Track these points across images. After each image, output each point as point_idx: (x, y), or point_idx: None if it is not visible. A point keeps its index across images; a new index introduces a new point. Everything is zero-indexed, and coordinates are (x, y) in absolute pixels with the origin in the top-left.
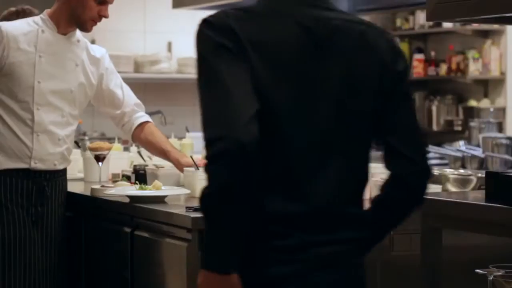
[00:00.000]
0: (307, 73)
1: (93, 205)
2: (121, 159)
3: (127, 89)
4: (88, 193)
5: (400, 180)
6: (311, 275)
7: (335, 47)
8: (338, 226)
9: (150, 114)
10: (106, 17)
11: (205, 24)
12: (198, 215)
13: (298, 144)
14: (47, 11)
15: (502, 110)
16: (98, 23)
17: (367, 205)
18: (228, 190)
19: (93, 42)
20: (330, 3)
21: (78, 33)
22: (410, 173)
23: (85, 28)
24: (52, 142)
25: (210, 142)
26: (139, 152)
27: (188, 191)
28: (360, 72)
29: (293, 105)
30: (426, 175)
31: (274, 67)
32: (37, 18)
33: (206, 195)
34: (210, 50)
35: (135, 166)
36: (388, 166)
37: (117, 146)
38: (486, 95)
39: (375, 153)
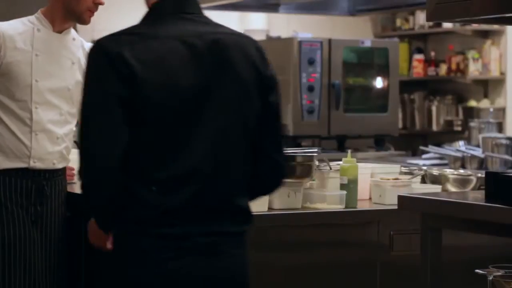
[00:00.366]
0: (192, 82)
1: None
2: None
3: None
4: None
5: (265, 177)
6: (192, 262)
7: (217, 57)
8: (221, 218)
9: None
10: (102, 3)
11: (97, 48)
12: None
13: (184, 141)
14: (41, 10)
15: (502, 110)
16: (100, 27)
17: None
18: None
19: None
20: (206, 18)
21: (74, 31)
22: (275, 172)
23: (83, 20)
24: (51, 141)
25: (79, 172)
26: None
27: None
28: (241, 78)
29: (179, 111)
30: (284, 172)
31: (162, 79)
32: (31, 17)
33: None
34: (95, 78)
35: None
36: (256, 164)
37: None
38: (486, 95)
39: (375, 153)
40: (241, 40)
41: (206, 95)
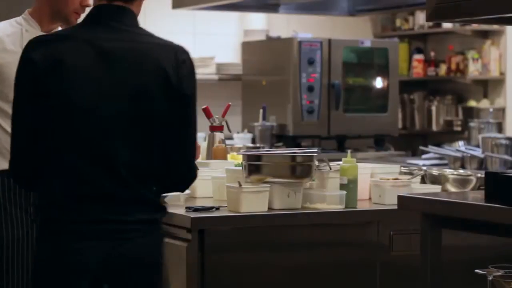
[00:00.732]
0: (99, 81)
1: None
2: None
3: None
4: None
5: (172, 177)
6: (105, 246)
7: (125, 62)
8: (131, 207)
9: None
10: (89, 5)
11: (27, 47)
12: (198, 215)
13: (92, 134)
14: (28, 10)
15: (502, 111)
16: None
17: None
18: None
19: None
20: (137, 28)
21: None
22: (179, 175)
23: (70, 22)
24: None
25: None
26: None
27: (188, 192)
28: (144, 84)
29: (89, 106)
30: (192, 179)
31: (74, 77)
32: (19, 19)
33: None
34: (18, 79)
35: None
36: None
37: None
38: (485, 96)
39: (375, 154)
40: (159, 51)
41: (110, 93)
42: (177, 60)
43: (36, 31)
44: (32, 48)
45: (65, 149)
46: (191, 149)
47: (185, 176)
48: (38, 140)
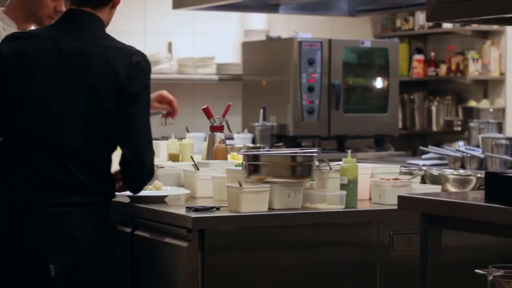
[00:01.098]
0: (55, 77)
1: None
2: None
3: None
4: None
5: (129, 179)
6: (44, 228)
7: (80, 61)
8: (69, 191)
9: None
10: (62, 11)
11: (1, 41)
12: (198, 215)
13: (44, 125)
14: (1, 9)
15: (502, 111)
16: None
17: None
18: None
19: None
20: (101, 33)
21: None
22: (130, 171)
23: (43, 24)
24: None
25: None
26: None
27: (188, 191)
28: (94, 82)
29: (43, 99)
30: (144, 178)
31: (32, 72)
32: None
33: None
34: None
35: None
36: (122, 166)
37: None
38: (485, 96)
39: (375, 154)
40: (113, 53)
41: (63, 89)
42: (130, 61)
43: (12, 29)
44: (3, 43)
45: (19, 138)
46: (143, 148)
47: (136, 173)
48: None
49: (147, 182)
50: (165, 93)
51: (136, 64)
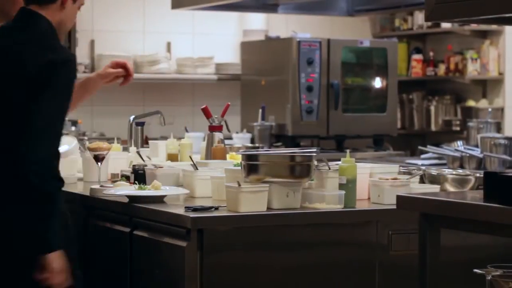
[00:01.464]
0: None
1: (92, 205)
2: (120, 159)
3: None
4: (87, 193)
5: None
6: None
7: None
8: None
9: (149, 114)
10: None
11: None
12: (197, 215)
13: None
14: None
15: (501, 110)
16: (99, 27)
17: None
18: None
19: (92, 42)
20: (30, 30)
21: None
22: (14, 165)
23: None
24: None
25: None
26: (138, 152)
27: (187, 191)
28: (3, 72)
29: None
30: (20, 170)
31: None
32: None
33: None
34: None
35: (134, 166)
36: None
37: (116, 146)
38: (484, 95)
39: (374, 153)
40: (29, 49)
41: None
42: (44, 58)
43: None
44: None
45: None
46: (42, 147)
47: (28, 174)
48: None
49: (37, 188)
50: (116, 59)
51: (51, 61)
